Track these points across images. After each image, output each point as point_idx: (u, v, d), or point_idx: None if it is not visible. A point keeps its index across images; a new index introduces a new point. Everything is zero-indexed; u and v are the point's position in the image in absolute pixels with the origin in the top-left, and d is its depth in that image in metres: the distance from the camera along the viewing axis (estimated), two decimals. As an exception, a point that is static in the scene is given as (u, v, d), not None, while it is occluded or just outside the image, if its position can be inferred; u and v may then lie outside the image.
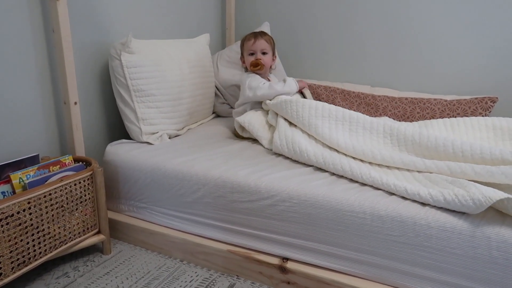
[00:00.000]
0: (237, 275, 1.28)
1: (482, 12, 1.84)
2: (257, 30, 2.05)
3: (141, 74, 1.54)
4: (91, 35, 1.55)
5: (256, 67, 1.65)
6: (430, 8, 1.94)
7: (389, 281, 1.09)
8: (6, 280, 1.09)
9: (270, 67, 1.75)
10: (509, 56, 1.84)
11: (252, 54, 1.68)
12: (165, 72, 1.62)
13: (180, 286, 1.22)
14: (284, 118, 1.50)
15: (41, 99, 1.40)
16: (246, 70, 1.75)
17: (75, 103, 1.41)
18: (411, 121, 1.78)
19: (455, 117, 1.75)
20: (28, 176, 1.20)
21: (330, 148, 1.36)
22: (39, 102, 1.39)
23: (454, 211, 1.02)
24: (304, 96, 1.85)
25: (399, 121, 1.82)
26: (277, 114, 1.54)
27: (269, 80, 1.75)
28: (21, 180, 1.18)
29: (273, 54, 1.74)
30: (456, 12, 1.89)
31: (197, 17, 2.18)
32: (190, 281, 1.25)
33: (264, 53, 1.68)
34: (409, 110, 1.85)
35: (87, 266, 1.32)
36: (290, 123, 1.48)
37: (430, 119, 1.76)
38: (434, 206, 1.04)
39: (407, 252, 1.04)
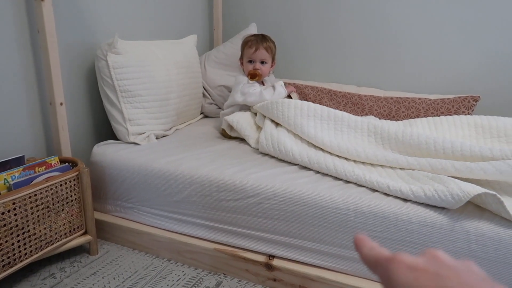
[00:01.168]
0: (224, 273, 1.29)
1: (466, 13, 1.88)
2: (245, 32, 2.06)
3: (128, 74, 1.55)
4: (77, 35, 1.55)
5: (253, 78, 1.67)
6: (415, 9, 1.97)
7: (372, 276, 1.11)
8: (-9, 281, 1.08)
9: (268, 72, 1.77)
10: (491, 56, 1.88)
11: (251, 61, 1.70)
12: (152, 72, 1.62)
13: (168, 285, 1.23)
14: (270, 120, 1.51)
15: (27, 100, 1.40)
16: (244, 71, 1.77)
17: (61, 103, 1.41)
18: (396, 120, 1.81)
19: (439, 115, 1.78)
20: (13, 177, 1.20)
21: (315, 147, 1.38)
22: (24, 103, 1.39)
23: (434, 206, 1.04)
24: None
25: (385, 120, 1.85)
26: (264, 116, 1.56)
27: (263, 84, 1.76)
28: (6, 181, 1.17)
29: (273, 60, 1.75)
30: (440, 13, 1.93)
31: (185, 18, 2.19)
32: (178, 280, 1.26)
33: (263, 62, 1.70)
34: (394, 109, 1.88)
35: (74, 266, 1.32)
36: (277, 124, 1.50)
37: (415, 118, 1.79)
38: (415, 202, 1.07)
39: (389, 247, 1.06)
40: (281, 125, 1.48)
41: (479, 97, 1.76)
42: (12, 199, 1.11)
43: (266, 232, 1.22)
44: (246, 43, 1.71)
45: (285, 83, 1.81)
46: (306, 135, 1.38)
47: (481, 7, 1.85)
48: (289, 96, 1.86)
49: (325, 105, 1.99)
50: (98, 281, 1.25)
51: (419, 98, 1.86)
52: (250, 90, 1.64)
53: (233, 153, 1.47)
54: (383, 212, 1.06)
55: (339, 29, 2.16)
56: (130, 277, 1.27)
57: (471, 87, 1.92)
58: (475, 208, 1.03)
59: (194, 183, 1.30)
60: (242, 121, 1.58)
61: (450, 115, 1.76)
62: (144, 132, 1.60)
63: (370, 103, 1.92)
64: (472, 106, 1.76)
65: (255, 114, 1.64)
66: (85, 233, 1.37)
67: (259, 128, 1.59)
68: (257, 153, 1.46)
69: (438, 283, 0.25)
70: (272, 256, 1.23)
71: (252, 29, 2.14)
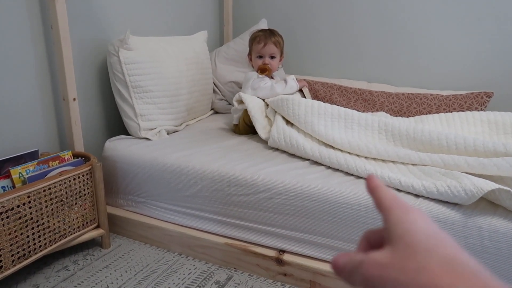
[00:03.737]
0: (234, 268, 1.30)
1: (478, 8, 1.86)
2: (255, 28, 2.06)
3: (139, 70, 1.56)
4: (90, 31, 1.57)
5: (263, 72, 1.68)
6: (426, 5, 1.95)
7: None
8: (6, 273, 1.10)
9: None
10: (505, 51, 1.85)
11: (260, 57, 1.70)
12: (162, 68, 1.63)
13: (179, 279, 1.24)
14: (281, 116, 1.51)
15: (40, 96, 1.42)
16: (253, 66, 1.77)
17: (74, 99, 1.43)
18: (407, 117, 1.79)
19: (451, 112, 1.76)
20: (28, 171, 1.22)
21: (326, 145, 1.38)
22: (38, 99, 1.41)
23: (447, 202, 1.03)
24: (303, 95, 1.88)
25: (396, 116, 1.83)
26: (275, 111, 1.56)
27: (272, 78, 1.76)
28: (20, 175, 1.19)
29: (281, 55, 1.75)
30: (452, 8, 1.91)
31: (195, 14, 2.19)
32: (189, 274, 1.27)
33: (272, 57, 1.70)
34: (405, 106, 1.86)
35: (87, 259, 1.34)
36: (287, 122, 1.49)
37: (427, 114, 1.77)
38: (427, 198, 1.06)
39: (401, 243, 1.05)
40: (291, 124, 1.47)
41: (492, 93, 1.74)
42: (27, 193, 1.13)
43: (277, 227, 1.22)
44: (254, 39, 1.71)
45: (296, 78, 1.80)
46: (317, 133, 1.37)
47: (492, 2, 1.82)
48: (300, 91, 1.85)
49: (336, 101, 1.99)
50: (110, 274, 1.26)
51: (431, 94, 1.84)
52: (260, 84, 1.64)
53: (244, 148, 1.47)
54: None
55: (350, 25, 2.15)
56: (141, 270, 1.28)
57: (484, 83, 1.90)
58: (488, 204, 1.02)
59: (205, 178, 1.31)
60: (252, 101, 1.57)
61: (463, 111, 1.74)
62: (155, 128, 1.62)
63: (381, 99, 1.91)
64: (485, 102, 1.74)
65: (267, 105, 1.63)
66: (98, 226, 1.38)
67: (266, 117, 1.59)
68: (268, 148, 1.46)
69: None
70: (282, 251, 1.23)
71: (262, 25, 2.14)
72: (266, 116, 1.59)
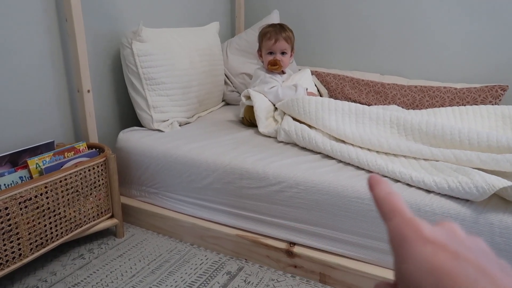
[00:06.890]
0: (245, 259, 1.32)
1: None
2: (267, 19, 2.06)
3: (152, 62, 1.57)
4: (103, 24, 1.58)
5: (274, 67, 1.66)
6: (441, -5, 1.92)
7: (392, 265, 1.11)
8: (25, 261, 1.14)
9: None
10: (521, 43, 1.82)
11: (271, 53, 1.67)
12: (174, 60, 1.64)
13: (191, 269, 1.27)
14: (292, 117, 1.50)
15: (55, 87, 1.44)
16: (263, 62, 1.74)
17: (88, 91, 1.45)
18: (420, 109, 1.78)
19: (465, 105, 1.74)
20: (44, 161, 1.24)
21: (337, 139, 1.38)
22: (53, 90, 1.43)
23: (458, 198, 1.03)
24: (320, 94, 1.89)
25: (408, 109, 1.82)
26: (284, 113, 1.56)
27: (283, 73, 1.75)
28: (37, 166, 1.22)
29: (292, 50, 1.72)
30: (468, -1, 1.87)
31: (207, 5, 2.19)
32: (200, 264, 1.30)
33: (283, 53, 1.67)
34: (418, 98, 1.85)
35: (101, 248, 1.38)
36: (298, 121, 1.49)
37: (439, 107, 1.76)
38: (438, 193, 1.06)
39: (411, 238, 1.06)
40: (302, 123, 1.47)
41: (507, 86, 1.72)
42: (44, 183, 1.16)
43: (287, 220, 1.24)
44: (265, 35, 1.67)
45: (308, 90, 1.75)
46: (328, 128, 1.37)
47: (513, -7, 1.78)
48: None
49: (347, 93, 1.98)
50: (124, 262, 1.29)
51: (444, 87, 1.82)
52: (265, 88, 1.63)
53: (255, 140, 1.48)
54: (406, 202, 1.06)
55: (362, 17, 2.12)
56: (155, 260, 1.31)
57: (499, 76, 1.87)
58: (500, 200, 1.02)
59: (217, 170, 1.32)
60: (260, 100, 1.58)
61: (476, 104, 1.72)
62: (168, 119, 1.63)
63: (393, 92, 1.90)
64: (500, 96, 1.71)
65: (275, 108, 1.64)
66: (112, 216, 1.41)
67: (275, 120, 1.59)
68: (278, 141, 1.47)
69: (457, 266, 0.21)
70: (293, 243, 1.25)
71: (275, 16, 2.13)
72: (272, 117, 1.60)
